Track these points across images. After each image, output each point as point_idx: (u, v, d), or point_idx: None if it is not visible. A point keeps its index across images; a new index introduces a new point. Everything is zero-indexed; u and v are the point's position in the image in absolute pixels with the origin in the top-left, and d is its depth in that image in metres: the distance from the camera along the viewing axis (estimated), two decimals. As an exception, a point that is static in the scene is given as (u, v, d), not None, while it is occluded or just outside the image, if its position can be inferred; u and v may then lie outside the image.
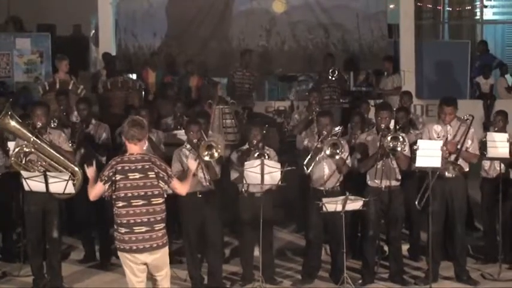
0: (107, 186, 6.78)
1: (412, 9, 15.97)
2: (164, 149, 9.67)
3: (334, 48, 15.73)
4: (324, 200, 8.72)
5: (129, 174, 6.70)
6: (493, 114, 10.08)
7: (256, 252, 9.16)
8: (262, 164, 8.64)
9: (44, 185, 8.26)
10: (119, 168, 6.73)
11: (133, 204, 6.70)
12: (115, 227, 6.86)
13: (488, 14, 19.17)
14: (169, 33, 15.90)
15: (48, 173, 8.25)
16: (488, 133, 9.57)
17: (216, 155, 8.50)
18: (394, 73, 14.49)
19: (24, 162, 8.43)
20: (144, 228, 6.71)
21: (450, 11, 19.30)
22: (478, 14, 18.98)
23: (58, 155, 8.52)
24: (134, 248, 6.72)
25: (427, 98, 15.52)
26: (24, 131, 8.44)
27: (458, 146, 8.77)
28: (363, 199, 8.73)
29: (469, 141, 8.90)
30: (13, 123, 8.39)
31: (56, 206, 8.61)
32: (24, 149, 8.40)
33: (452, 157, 8.82)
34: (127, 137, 6.79)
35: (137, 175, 6.70)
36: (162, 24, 15.89)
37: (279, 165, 8.78)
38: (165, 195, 6.92)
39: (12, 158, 8.46)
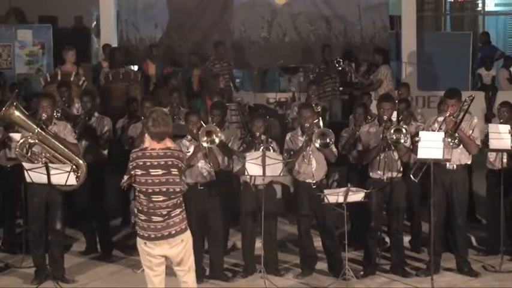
0: (125, 177, 6.66)
1: (413, 1, 15.94)
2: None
3: (336, 39, 15.73)
4: (326, 191, 8.75)
5: (151, 171, 6.53)
6: (498, 106, 10.05)
7: (258, 243, 9.17)
8: (264, 156, 8.64)
9: (45, 176, 8.26)
10: (141, 163, 6.55)
11: (154, 199, 6.55)
12: (136, 211, 6.70)
13: (490, 6, 19.16)
14: (171, 25, 15.89)
15: (50, 165, 8.26)
16: (490, 124, 9.58)
17: (216, 140, 8.52)
18: (382, 65, 14.43)
19: (29, 154, 8.43)
20: (161, 219, 6.56)
21: (452, 3, 19.31)
22: (480, 5, 18.97)
23: (62, 147, 8.52)
24: (152, 236, 6.57)
25: (428, 89, 15.50)
26: (29, 122, 8.44)
27: (457, 122, 8.74)
28: (365, 190, 8.75)
29: (470, 131, 8.88)
30: (18, 113, 8.39)
31: (59, 197, 8.61)
32: (29, 140, 8.41)
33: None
34: (150, 135, 6.58)
35: (160, 171, 6.53)
36: (163, 15, 15.90)
37: (280, 157, 8.80)
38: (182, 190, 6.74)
39: (17, 149, 8.46)
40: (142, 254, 6.71)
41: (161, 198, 6.55)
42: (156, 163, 6.53)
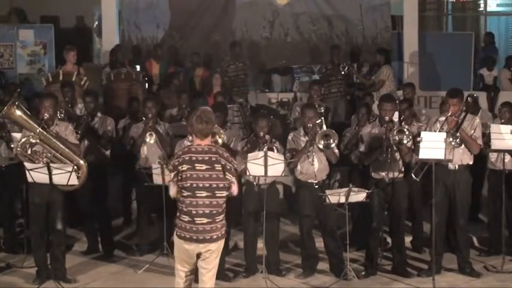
0: (172, 175, 6.70)
1: (415, 1, 15.93)
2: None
3: (338, 40, 15.72)
4: (328, 191, 8.76)
5: (196, 165, 6.62)
6: (499, 107, 10.06)
7: (260, 244, 9.17)
8: (266, 156, 8.65)
9: (47, 176, 8.27)
10: (187, 158, 6.65)
11: (197, 195, 6.62)
12: (178, 214, 6.74)
13: (492, 6, 19.13)
14: (172, 25, 15.91)
15: (51, 165, 8.26)
16: (492, 125, 9.57)
17: (219, 141, 8.57)
18: (384, 65, 14.44)
19: (30, 153, 8.44)
20: (205, 220, 6.62)
21: (454, 3, 19.26)
22: (482, 5, 18.95)
23: (63, 147, 8.53)
24: (194, 238, 6.62)
25: (430, 89, 15.49)
26: (31, 122, 8.45)
27: (459, 121, 8.75)
28: (366, 191, 8.75)
29: (472, 131, 8.88)
30: (19, 113, 8.40)
31: (60, 197, 8.61)
32: (30, 139, 8.42)
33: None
34: (194, 132, 6.72)
35: (204, 166, 6.62)
36: (165, 15, 15.91)
37: (282, 157, 8.81)
38: (230, 189, 6.78)
39: (18, 149, 8.47)
40: (178, 249, 6.79)
41: (204, 194, 6.61)
42: (201, 158, 6.64)
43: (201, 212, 6.61)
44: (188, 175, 6.62)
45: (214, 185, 6.63)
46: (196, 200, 6.62)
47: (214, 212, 6.66)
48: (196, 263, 6.80)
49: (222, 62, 14.17)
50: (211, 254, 6.74)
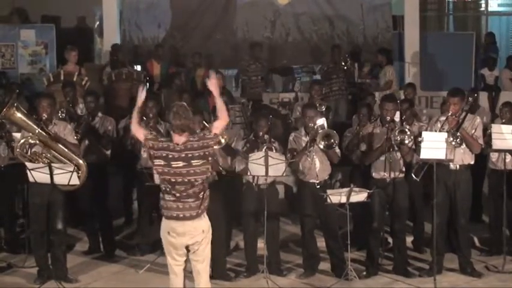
0: (145, 153, 6.91)
1: (417, 1, 15.92)
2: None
3: (339, 40, 15.70)
4: (329, 191, 8.75)
5: (173, 163, 6.74)
6: (500, 107, 10.07)
7: (261, 244, 9.17)
8: (267, 156, 8.65)
9: (48, 176, 8.27)
10: (164, 155, 6.76)
11: (177, 188, 6.77)
12: (161, 195, 6.88)
13: (493, 6, 19.14)
14: (173, 25, 15.90)
15: (52, 165, 8.26)
16: (493, 125, 9.58)
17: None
18: (386, 65, 14.44)
19: (29, 154, 8.44)
20: (191, 199, 6.78)
21: (455, 2, 19.29)
22: (483, 5, 18.95)
23: (63, 147, 8.53)
24: (181, 215, 6.77)
25: (431, 89, 15.48)
26: (30, 123, 8.45)
27: (460, 121, 8.76)
28: (368, 191, 8.75)
29: (473, 131, 8.88)
30: (19, 114, 8.41)
31: (60, 197, 8.61)
32: (30, 140, 8.42)
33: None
34: (172, 129, 6.83)
35: (181, 163, 6.74)
36: (166, 15, 15.90)
37: (283, 157, 8.81)
38: (208, 176, 6.95)
39: (17, 150, 8.47)
40: (165, 243, 6.91)
41: (183, 187, 6.77)
42: (177, 156, 6.75)
43: (185, 194, 6.77)
44: (166, 170, 6.77)
45: (193, 180, 6.76)
46: (179, 192, 6.77)
47: (197, 190, 6.80)
48: (187, 254, 6.88)
49: (242, 61, 14.21)
50: (200, 245, 6.83)
